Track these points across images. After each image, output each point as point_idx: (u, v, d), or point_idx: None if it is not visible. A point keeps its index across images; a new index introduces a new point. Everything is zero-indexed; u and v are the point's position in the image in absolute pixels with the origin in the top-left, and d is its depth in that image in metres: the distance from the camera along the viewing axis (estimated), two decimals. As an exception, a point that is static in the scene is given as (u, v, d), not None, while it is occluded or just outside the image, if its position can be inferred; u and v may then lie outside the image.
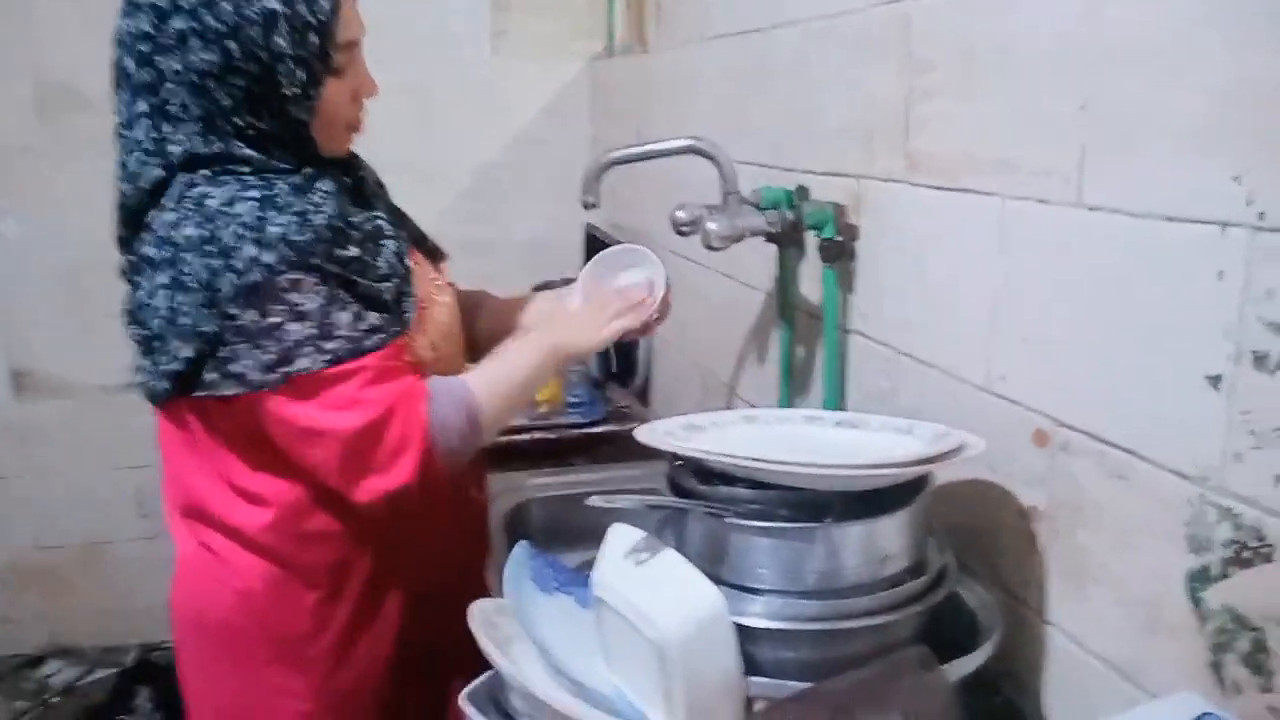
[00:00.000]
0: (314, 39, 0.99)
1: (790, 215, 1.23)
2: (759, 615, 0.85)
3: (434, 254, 1.26)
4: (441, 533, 1.21)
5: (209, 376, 0.98)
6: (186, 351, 0.98)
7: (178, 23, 0.98)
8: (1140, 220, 0.76)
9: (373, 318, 1.03)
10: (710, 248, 1.19)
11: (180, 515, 1.15)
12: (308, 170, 1.05)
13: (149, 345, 1.01)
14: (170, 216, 0.99)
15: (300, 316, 0.98)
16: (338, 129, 1.09)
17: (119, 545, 2.58)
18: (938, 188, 1.03)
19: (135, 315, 1.03)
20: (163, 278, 0.98)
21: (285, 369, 0.98)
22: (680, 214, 1.30)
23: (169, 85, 1.00)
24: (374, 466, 1.01)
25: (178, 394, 1.01)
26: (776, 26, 1.42)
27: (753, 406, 1.57)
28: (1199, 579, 0.72)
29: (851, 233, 1.20)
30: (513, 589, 0.94)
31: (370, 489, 1.02)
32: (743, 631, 0.83)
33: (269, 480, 1.08)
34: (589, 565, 0.97)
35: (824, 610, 0.84)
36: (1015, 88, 0.90)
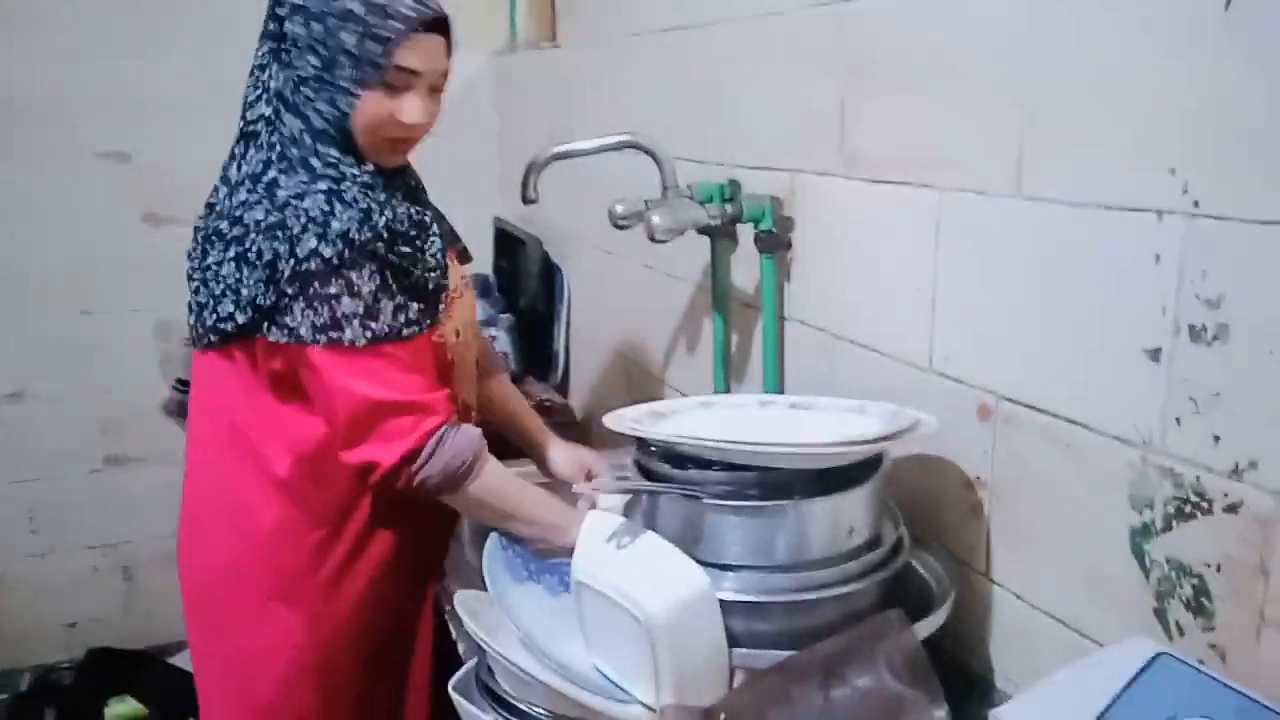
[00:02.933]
0: (372, 45, 1.09)
1: (729, 208, 1.27)
2: (733, 590, 0.89)
3: (463, 255, 1.36)
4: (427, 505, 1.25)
5: (263, 323, 1.10)
6: (241, 318, 1.11)
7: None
8: (1079, 209, 0.83)
9: (413, 310, 1.14)
10: (654, 240, 1.22)
11: (206, 459, 1.23)
12: (370, 169, 1.15)
13: (209, 305, 1.14)
14: (243, 197, 1.12)
15: (354, 294, 1.09)
16: (379, 141, 1.14)
17: (7, 564, 2.43)
18: (874, 180, 1.09)
19: (202, 278, 1.15)
20: (231, 252, 1.11)
21: (332, 334, 1.09)
22: (619, 207, 1.33)
23: (285, 45, 1.13)
24: (372, 436, 1.11)
25: (228, 342, 1.14)
26: (702, 24, 1.46)
27: (683, 395, 1.61)
28: (1142, 535, 0.80)
29: (788, 224, 1.25)
30: (490, 579, 0.95)
31: (354, 453, 1.12)
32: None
33: (303, 417, 1.16)
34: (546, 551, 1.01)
35: (796, 582, 0.88)
36: (952, 87, 0.96)
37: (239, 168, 1.15)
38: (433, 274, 1.17)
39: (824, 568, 0.90)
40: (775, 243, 1.25)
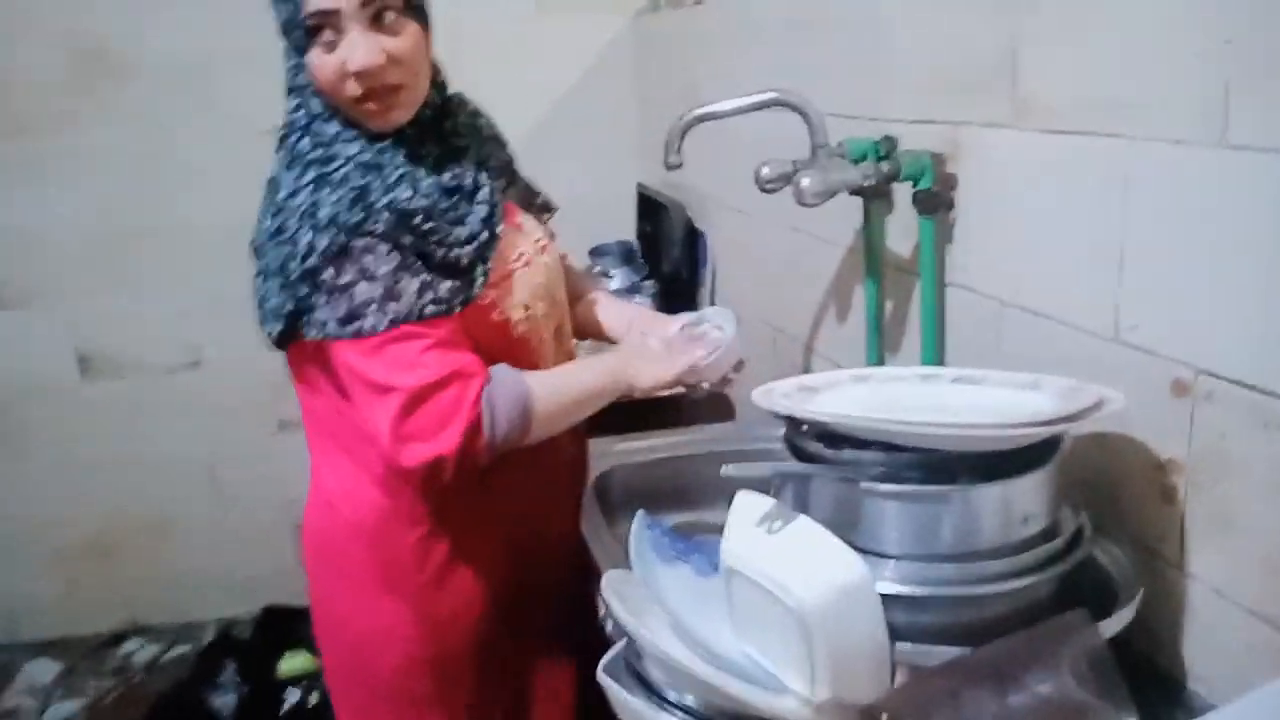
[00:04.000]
0: (287, 6, 1.05)
1: (885, 167, 1.19)
2: (893, 580, 0.83)
3: (543, 208, 1.30)
4: (537, 484, 1.25)
5: (297, 329, 1.09)
6: (279, 328, 1.09)
7: None
8: (1301, 158, 0.72)
9: (443, 288, 1.07)
10: (804, 204, 1.16)
11: (315, 447, 1.24)
12: (382, 144, 1.09)
13: (260, 316, 1.13)
14: (262, 205, 1.11)
15: (371, 278, 1.04)
16: (350, 104, 1.07)
17: (191, 521, 2.61)
18: (1051, 131, 0.99)
19: (254, 288, 1.14)
20: (259, 264, 1.12)
21: (352, 325, 1.05)
22: (766, 170, 1.27)
23: None
24: (422, 430, 1.05)
25: (284, 346, 1.13)
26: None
27: (836, 365, 1.54)
28: (1376, 531, 0.69)
29: (950, 182, 1.16)
30: (637, 560, 0.93)
31: (413, 454, 1.06)
32: (877, 597, 0.82)
33: None
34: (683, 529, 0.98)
35: (967, 574, 0.82)
36: (1143, 16, 0.85)
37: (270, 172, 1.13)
38: (467, 248, 1.09)
39: (996, 558, 0.83)
40: (936, 202, 1.16)
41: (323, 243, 1.02)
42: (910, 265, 1.27)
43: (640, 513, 0.97)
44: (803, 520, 0.84)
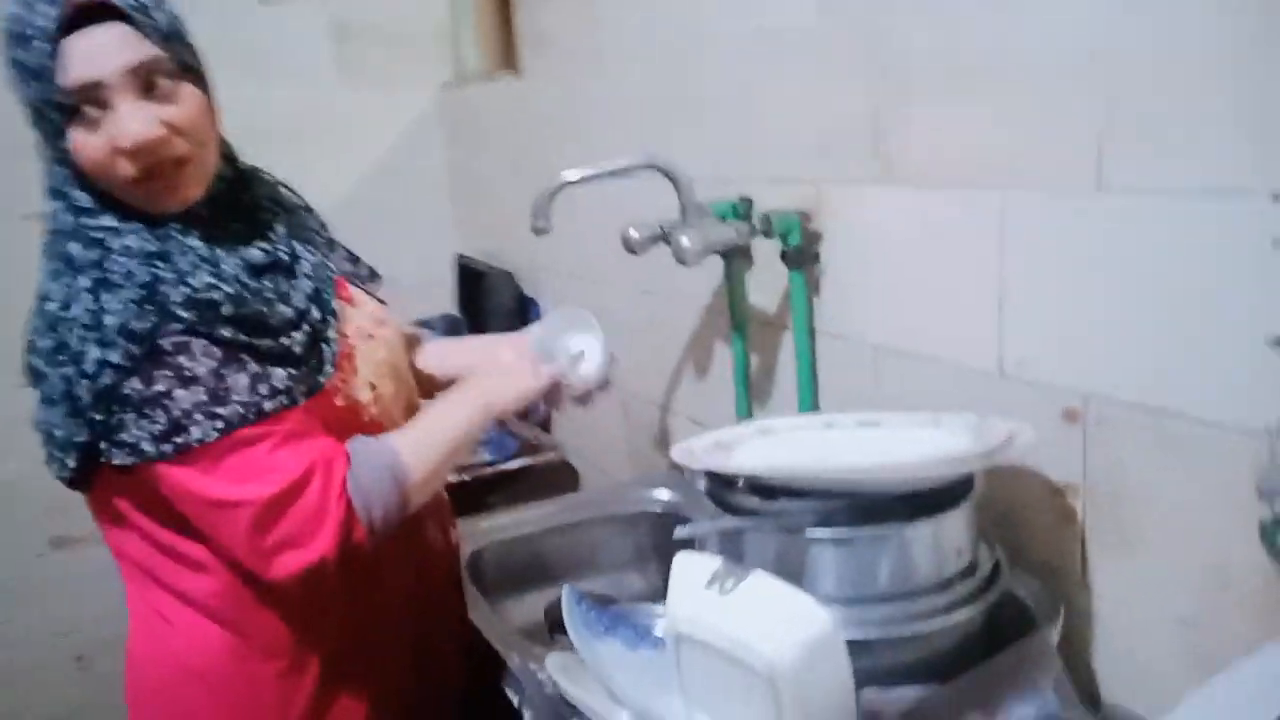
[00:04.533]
0: (35, 84, 0.89)
1: (754, 224, 1.22)
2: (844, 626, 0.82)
3: (370, 278, 1.20)
4: (408, 587, 1.15)
5: (102, 450, 0.92)
6: (72, 463, 0.94)
7: None
8: (1174, 197, 0.80)
9: (278, 377, 0.95)
10: (685, 263, 1.16)
11: (130, 584, 1.06)
12: (170, 228, 0.95)
13: (47, 452, 0.96)
14: (34, 322, 0.95)
15: (188, 382, 0.90)
16: (127, 185, 0.93)
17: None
18: (921, 187, 1.05)
19: (35, 418, 0.97)
20: (39, 391, 0.95)
21: (178, 439, 0.90)
22: (634, 233, 1.27)
23: None
24: (289, 539, 0.94)
25: (81, 482, 0.97)
26: (702, 39, 1.40)
27: (699, 423, 1.55)
28: (1275, 529, 0.76)
29: (815, 238, 1.21)
30: (574, 638, 0.87)
31: (285, 565, 0.94)
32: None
33: (204, 546, 1.00)
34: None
35: (915, 611, 0.83)
36: (1012, 84, 0.92)
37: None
38: (298, 332, 0.98)
39: (938, 593, 0.85)
40: (804, 257, 1.20)
41: (115, 356, 0.88)
42: (776, 318, 1.30)
43: (567, 587, 0.92)
44: (756, 575, 0.82)
